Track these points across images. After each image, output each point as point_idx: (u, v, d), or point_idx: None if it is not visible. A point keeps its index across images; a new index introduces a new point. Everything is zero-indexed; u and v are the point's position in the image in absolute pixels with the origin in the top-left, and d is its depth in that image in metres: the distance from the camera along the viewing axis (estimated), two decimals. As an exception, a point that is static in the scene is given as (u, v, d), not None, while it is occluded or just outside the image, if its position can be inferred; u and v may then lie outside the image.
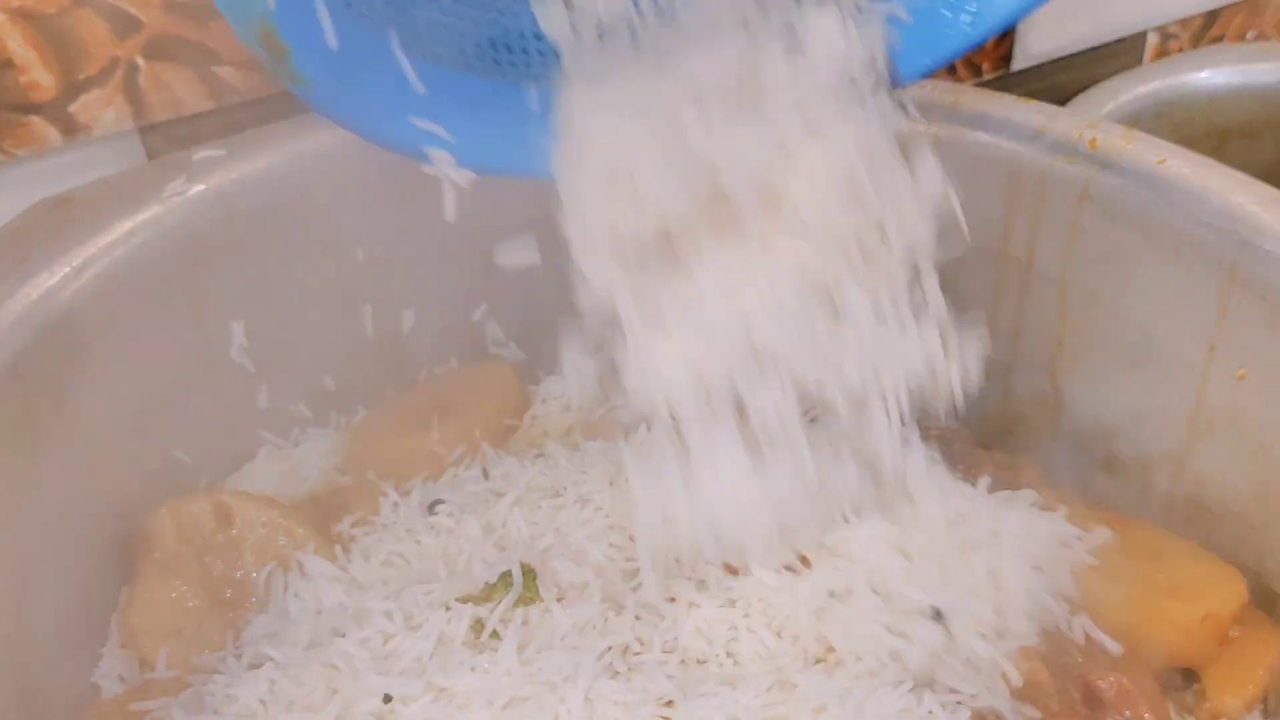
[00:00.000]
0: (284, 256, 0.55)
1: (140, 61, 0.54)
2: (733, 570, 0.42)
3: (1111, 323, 0.53)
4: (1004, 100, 0.55)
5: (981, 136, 0.55)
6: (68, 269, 0.47)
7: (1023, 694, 0.40)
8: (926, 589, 0.41)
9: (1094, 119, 0.53)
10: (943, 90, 0.57)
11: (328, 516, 0.52)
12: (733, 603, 0.40)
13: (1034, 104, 0.55)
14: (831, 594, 0.40)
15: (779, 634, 0.40)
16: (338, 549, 0.49)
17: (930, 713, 0.37)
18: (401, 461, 0.56)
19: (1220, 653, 0.44)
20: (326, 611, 0.45)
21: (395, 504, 0.51)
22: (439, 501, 0.50)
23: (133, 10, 0.53)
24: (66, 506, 0.47)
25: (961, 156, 0.55)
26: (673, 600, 0.41)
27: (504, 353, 0.65)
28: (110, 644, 0.49)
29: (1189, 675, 0.44)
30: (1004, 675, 0.39)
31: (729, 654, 0.40)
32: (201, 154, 0.53)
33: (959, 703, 0.38)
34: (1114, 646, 0.42)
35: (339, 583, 0.46)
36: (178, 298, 0.52)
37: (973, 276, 0.58)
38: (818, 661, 0.40)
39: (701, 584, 0.42)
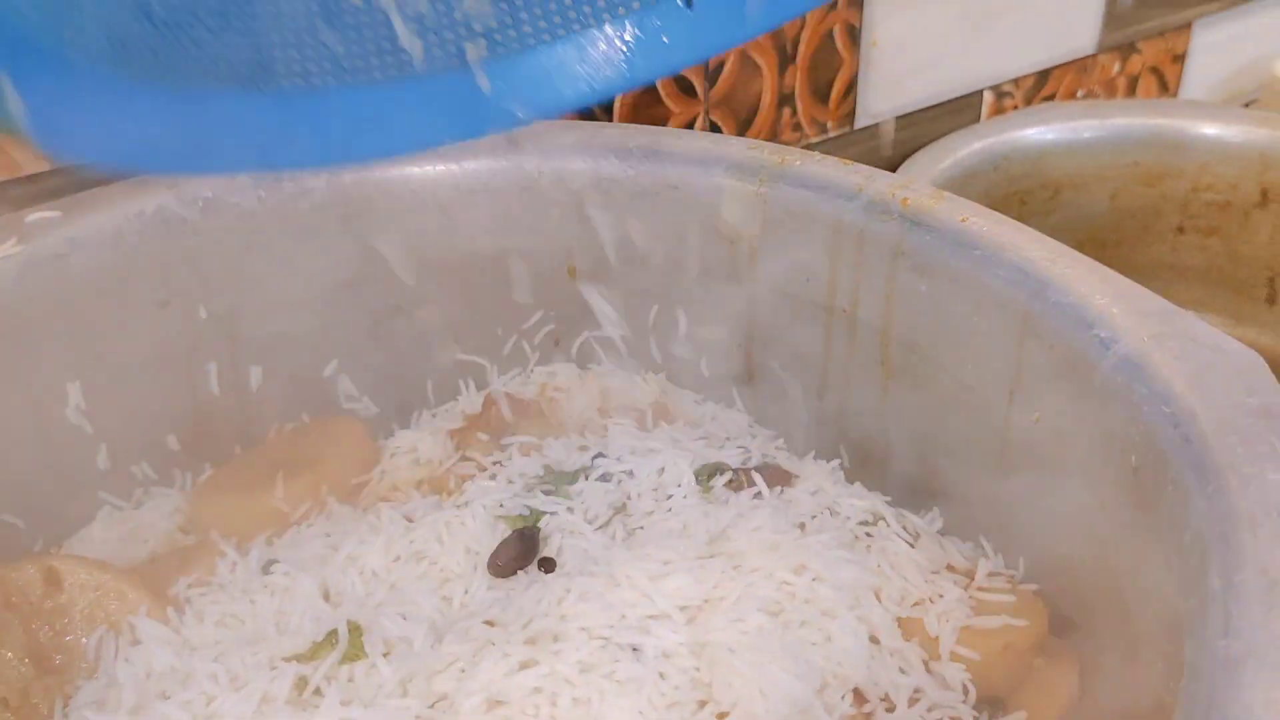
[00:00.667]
0: (122, 316, 0.55)
1: (-30, 123, 0.54)
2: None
3: (928, 370, 0.56)
4: (826, 162, 0.59)
5: (806, 195, 0.58)
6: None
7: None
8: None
9: (906, 180, 0.57)
10: (770, 151, 0.60)
11: (166, 578, 0.51)
12: (558, 654, 0.41)
13: (853, 165, 0.58)
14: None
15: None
16: (171, 611, 0.48)
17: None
18: (245, 520, 0.56)
19: (1024, 682, 0.47)
20: (156, 675, 0.45)
21: (234, 564, 0.51)
22: (275, 561, 0.50)
23: (-38, 73, 0.53)
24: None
25: (790, 214, 0.59)
26: (505, 655, 0.41)
27: (357, 408, 0.65)
28: (-69, 717, 0.47)
29: (995, 704, 0.47)
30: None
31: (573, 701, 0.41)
32: (34, 215, 0.53)
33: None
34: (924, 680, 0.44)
35: (170, 645, 0.46)
36: (10, 359, 0.51)
37: (806, 327, 0.61)
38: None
39: (531, 641, 0.43)
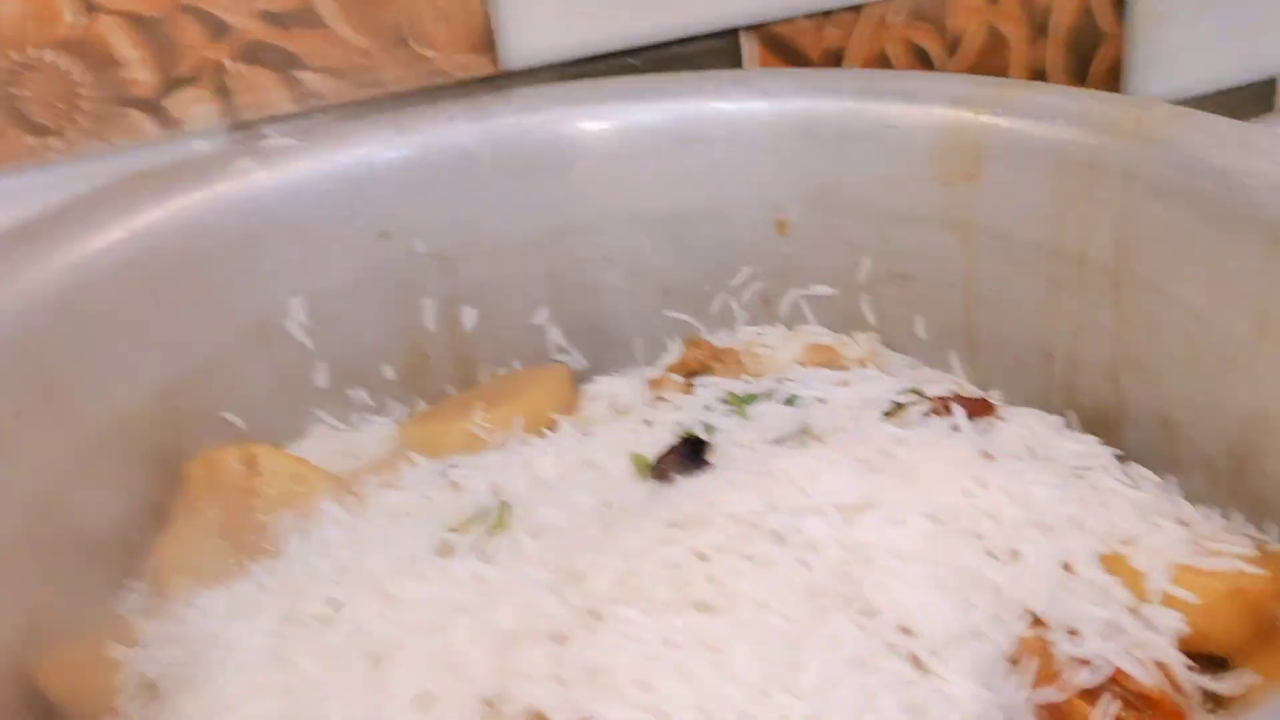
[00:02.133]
0: (345, 242, 0.59)
1: (230, 64, 0.60)
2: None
3: (1165, 311, 0.49)
4: (1052, 90, 0.54)
5: (1029, 126, 0.53)
6: (134, 229, 0.52)
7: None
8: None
9: (1143, 99, 0.51)
10: (992, 84, 0.56)
11: (358, 481, 0.53)
12: (697, 535, 0.39)
13: (1082, 90, 0.53)
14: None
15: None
16: (352, 499, 0.50)
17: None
18: (442, 441, 0.57)
19: (1263, 647, 0.39)
20: (328, 545, 0.46)
21: (416, 465, 0.52)
22: (455, 465, 0.51)
23: (225, 16, 0.59)
24: (108, 444, 0.50)
25: (1012, 148, 0.55)
26: (642, 534, 0.39)
27: (567, 359, 0.66)
28: (141, 583, 0.51)
29: (1219, 666, 0.39)
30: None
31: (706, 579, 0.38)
32: (272, 140, 0.57)
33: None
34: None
35: (343, 525, 0.47)
36: (240, 265, 0.55)
37: (1030, 277, 0.56)
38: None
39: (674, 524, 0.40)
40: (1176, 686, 0.36)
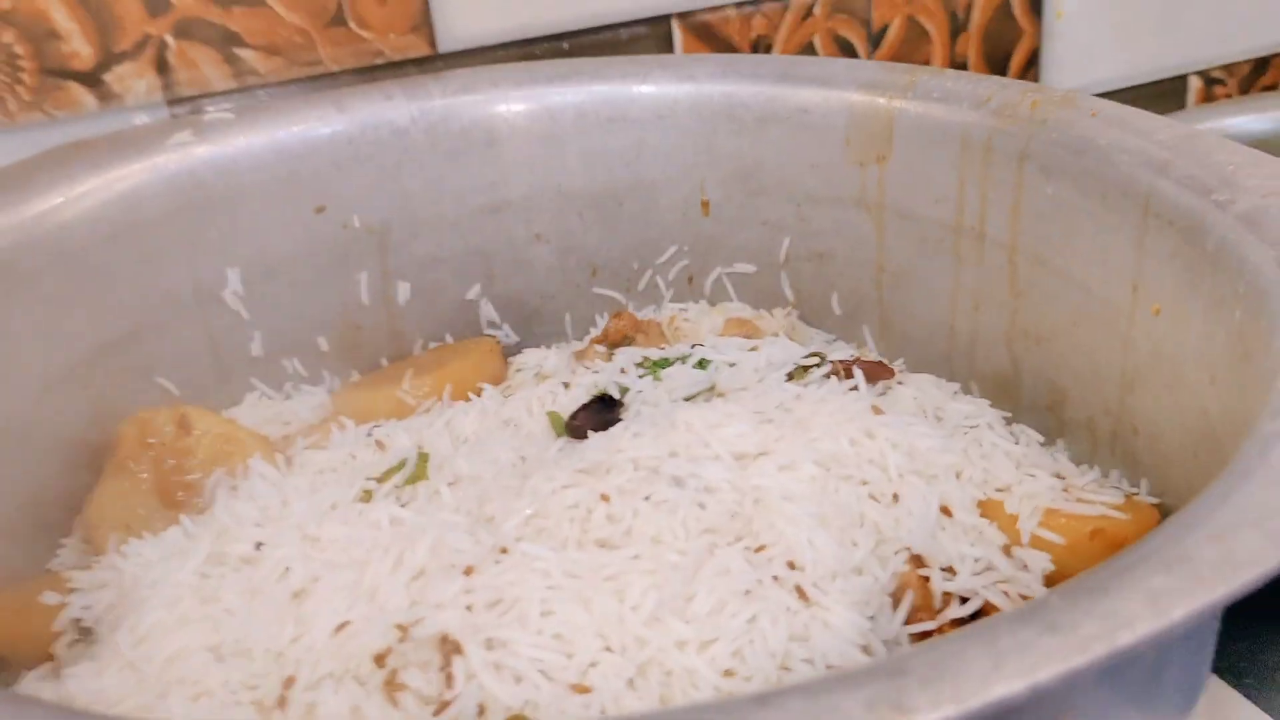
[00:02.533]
0: (281, 215, 0.60)
1: (170, 40, 0.61)
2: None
3: (1053, 283, 0.53)
4: (960, 76, 0.57)
5: (936, 109, 0.56)
6: (71, 195, 0.53)
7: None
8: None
9: (1041, 86, 0.54)
10: (903, 70, 0.59)
11: (288, 444, 0.55)
12: (601, 479, 0.41)
13: (988, 77, 0.56)
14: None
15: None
16: (280, 458, 0.52)
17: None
18: (370, 407, 0.59)
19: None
20: (256, 499, 0.48)
21: (345, 429, 0.54)
22: (380, 426, 0.53)
23: (164, -8, 0.61)
24: (41, 405, 0.51)
25: (920, 130, 0.58)
26: (551, 480, 0.42)
27: (498, 335, 0.68)
28: (72, 539, 0.52)
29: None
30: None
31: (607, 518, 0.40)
32: (211, 114, 0.59)
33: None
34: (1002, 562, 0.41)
35: (271, 481, 0.49)
36: (177, 235, 0.57)
37: (935, 255, 0.59)
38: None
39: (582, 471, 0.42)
40: (1044, 620, 0.39)
